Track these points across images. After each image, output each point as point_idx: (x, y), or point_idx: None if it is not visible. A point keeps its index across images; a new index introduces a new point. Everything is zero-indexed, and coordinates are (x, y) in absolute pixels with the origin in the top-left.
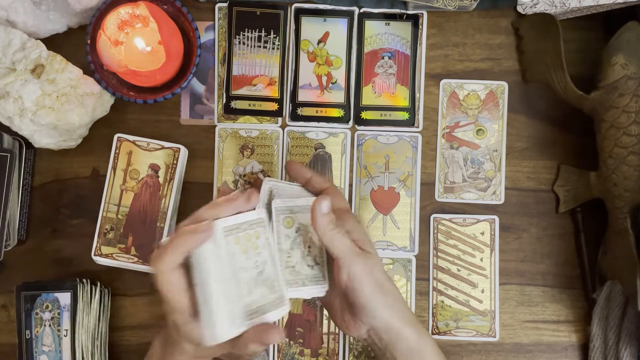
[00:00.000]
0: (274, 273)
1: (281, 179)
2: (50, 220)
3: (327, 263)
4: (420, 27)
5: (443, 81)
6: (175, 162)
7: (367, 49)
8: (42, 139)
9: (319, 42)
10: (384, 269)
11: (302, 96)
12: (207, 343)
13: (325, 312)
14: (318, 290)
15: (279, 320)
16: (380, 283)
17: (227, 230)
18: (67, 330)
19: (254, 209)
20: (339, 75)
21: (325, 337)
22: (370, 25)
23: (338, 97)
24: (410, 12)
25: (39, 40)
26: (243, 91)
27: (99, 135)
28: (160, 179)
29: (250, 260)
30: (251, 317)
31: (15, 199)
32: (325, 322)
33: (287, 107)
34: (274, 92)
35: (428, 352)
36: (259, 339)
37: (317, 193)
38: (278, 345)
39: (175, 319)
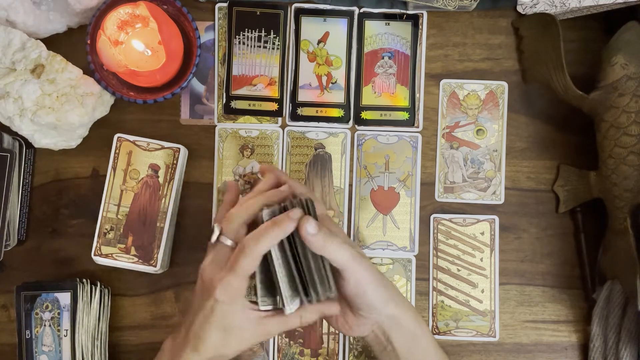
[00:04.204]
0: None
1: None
2: (50, 220)
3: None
4: (420, 27)
5: (443, 81)
6: (175, 162)
7: (367, 49)
8: (42, 139)
9: (319, 42)
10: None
11: (302, 96)
12: (287, 312)
13: None
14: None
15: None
16: (379, 279)
17: None
18: (67, 330)
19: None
20: (339, 75)
21: (325, 337)
22: (370, 25)
23: (338, 97)
24: (410, 12)
25: (39, 40)
26: (243, 91)
27: (99, 135)
28: (160, 179)
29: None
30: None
31: (15, 199)
32: (325, 322)
33: (287, 107)
34: (274, 92)
35: (424, 334)
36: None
37: (277, 186)
38: (278, 345)
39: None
